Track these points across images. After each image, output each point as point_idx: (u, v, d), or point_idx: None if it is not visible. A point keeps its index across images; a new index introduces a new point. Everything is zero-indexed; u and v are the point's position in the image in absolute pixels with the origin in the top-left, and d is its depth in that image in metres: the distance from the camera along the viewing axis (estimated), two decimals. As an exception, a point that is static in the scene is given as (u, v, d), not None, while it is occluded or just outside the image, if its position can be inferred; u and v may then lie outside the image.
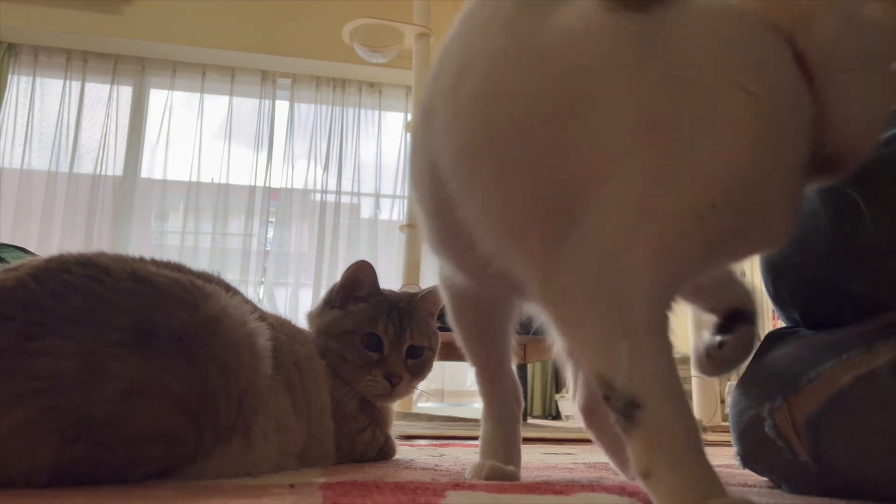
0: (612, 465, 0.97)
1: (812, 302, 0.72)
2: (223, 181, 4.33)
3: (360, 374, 0.99)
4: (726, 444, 1.41)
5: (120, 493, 0.60)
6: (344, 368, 0.99)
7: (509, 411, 0.87)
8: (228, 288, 0.81)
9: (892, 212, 0.64)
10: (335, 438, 0.96)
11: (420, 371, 1.05)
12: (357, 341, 0.99)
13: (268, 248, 4.37)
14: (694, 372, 3.08)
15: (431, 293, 1.08)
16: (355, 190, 4.50)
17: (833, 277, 0.69)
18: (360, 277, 1.04)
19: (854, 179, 0.68)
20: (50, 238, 4.01)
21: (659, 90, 0.53)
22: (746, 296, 0.83)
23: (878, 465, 0.61)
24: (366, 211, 4.54)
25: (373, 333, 1.00)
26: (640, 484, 0.50)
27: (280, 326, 0.91)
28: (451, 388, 4.28)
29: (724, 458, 1.30)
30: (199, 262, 0.79)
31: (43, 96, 4.23)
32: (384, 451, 1.04)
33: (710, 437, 2.04)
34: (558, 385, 4.30)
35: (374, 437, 1.02)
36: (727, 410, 2.61)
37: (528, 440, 1.77)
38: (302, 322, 1.08)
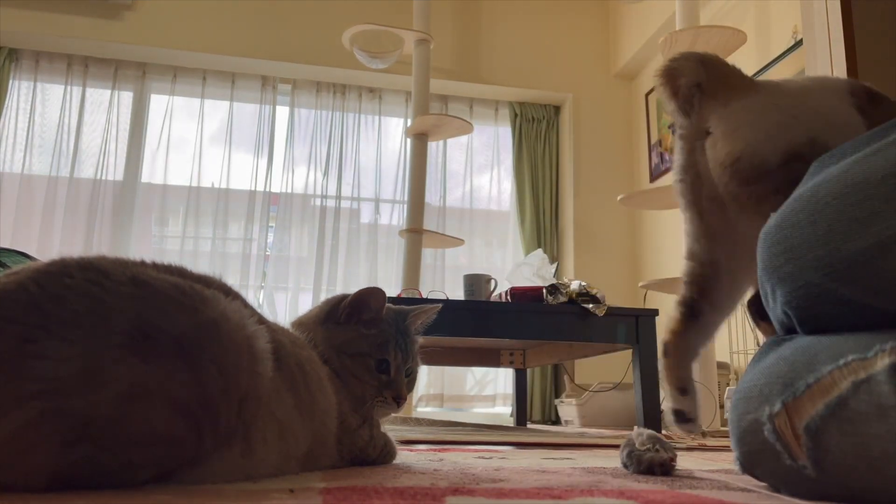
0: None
1: (808, 309, 0.72)
2: (223, 186, 4.33)
3: (372, 394, 1.06)
4: (725, 448, 1.40)
5: (120, 497, 0.60)
6: (355, 385, 1.05)
7: None
8: (228, 292, 0.82)
9: (880, 216, 0.64)
10: (337, 436, 0.98)
11: (411, 388, 1.15)
12: (372, 364, 1.06)
13: (268, 253, 4.37)
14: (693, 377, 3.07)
15: (423, 311, 1.14)
16: (355, 195, 4.50)
17: (826, 284, 0.69)
18: (370, 303, 1.08)
19: (844, 185, 0.69)
20: (50, 242, 4.02)
21: None
22: None
23: (876, 470, 0.61)
24: (365, 216, 4.54)
25: (385, 360, 1.07)
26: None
27: (280, 330, 0.92)
28: (450, 392, 4.28)
29: (723, 462, 1.30)
30: (199, 267, 0.80)
31: (44, 101, 4.24)
32: (385, 453, 1.06)
33: (709, 441, 2.03)
34: (557, 390, 4.30)
35: (372, 436, 1.04)
36: (726, 415, 2.60)
37: (527, 445, 1.76)
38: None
